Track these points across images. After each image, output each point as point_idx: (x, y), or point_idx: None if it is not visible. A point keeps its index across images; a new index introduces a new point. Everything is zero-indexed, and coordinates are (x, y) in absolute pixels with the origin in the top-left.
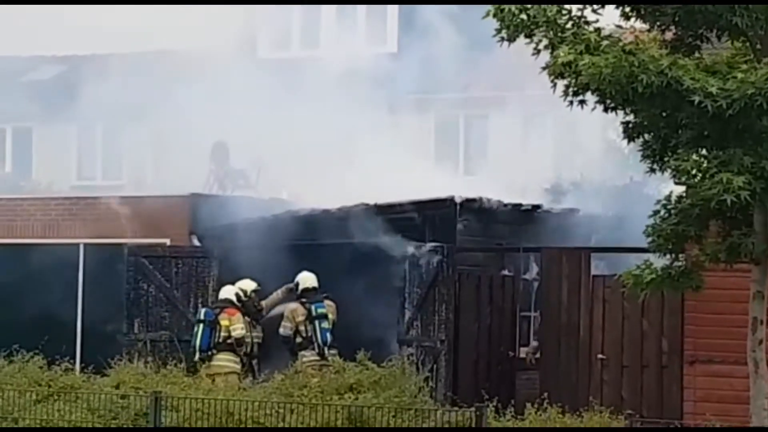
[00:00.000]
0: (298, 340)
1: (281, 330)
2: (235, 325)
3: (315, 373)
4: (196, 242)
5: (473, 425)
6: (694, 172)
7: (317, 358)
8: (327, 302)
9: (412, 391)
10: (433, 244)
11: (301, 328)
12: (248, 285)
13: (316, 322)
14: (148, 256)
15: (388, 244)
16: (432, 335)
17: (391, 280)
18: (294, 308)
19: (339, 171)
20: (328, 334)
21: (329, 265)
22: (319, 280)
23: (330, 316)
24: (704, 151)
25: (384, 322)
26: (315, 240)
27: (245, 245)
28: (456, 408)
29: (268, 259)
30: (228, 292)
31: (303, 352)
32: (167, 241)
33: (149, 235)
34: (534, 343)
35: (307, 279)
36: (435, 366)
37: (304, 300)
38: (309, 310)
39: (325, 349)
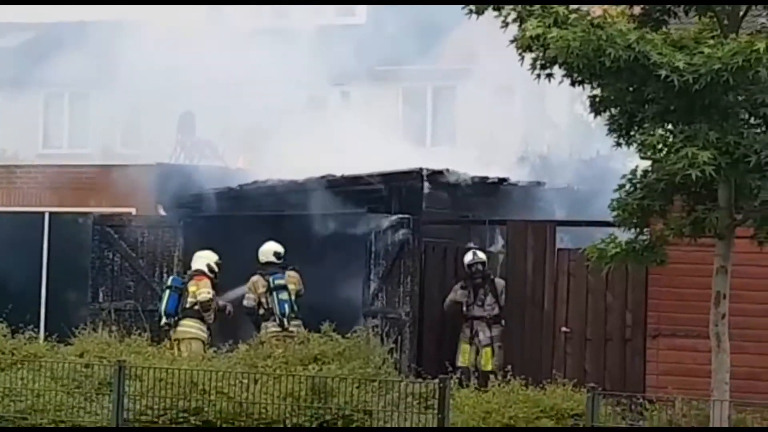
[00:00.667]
0: (261, 311)
1: (245, 302)
2: (201, 290)
3: (278, 343)
4: (162, 212)
5: (437, 396)
6: (659, 146)
7: (279, 329)
8: (291, 273)
9: (377, 363)
10: (399, 216)
11: (263, 299)
12: (211, 257)
13: (275, 294)
14: (113, 225)
15: (354, 216)
16: (397, 307)
17: (356, 251)
18: (255, 280)
19: (306, 142)
20: (287, 306)
21: (295, 237)
22: (286, 251)
23: (293, 287)
24: (670, 126)
25: (349, 293)
26: (281, 211)
27: (211, 215)
28: (420, 379)
29: (233, 229)
30: (200, 262)
31: (266, 323)
32: (133, 211)
33: (115, 204)
34: None
35: (267, 251)
36: (400, 337)
37: (264, 271)
38: (268, 282)
39: (284, 319)
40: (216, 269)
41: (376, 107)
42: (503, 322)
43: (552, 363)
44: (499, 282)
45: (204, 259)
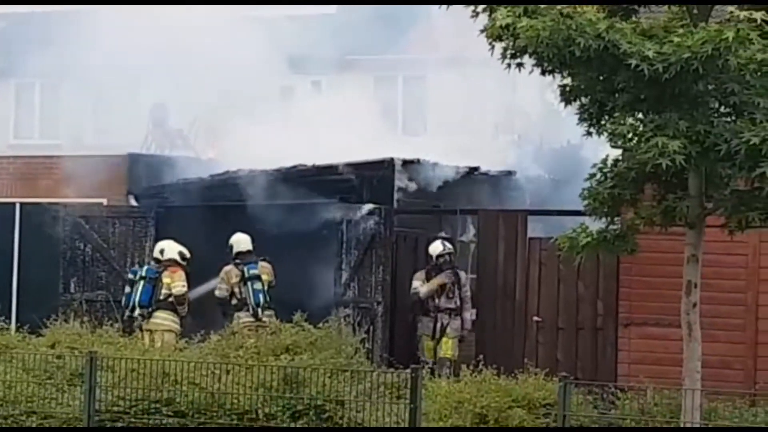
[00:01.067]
0: (234, 302)
1: (217, 292)
2: (176, 283)
3: (250, 334)
4: (134, 202)
5: (409, 386)
6: (630, 135)
7: (252, 319)
8: (263, 264)
9: (349, 353)
10: (371, 205)
11: (236, 290)
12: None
13: (249, 284)
14: (85, 216)
15: (325, 206)
16: (369, 296)
17: (328, 241)
18: (228, 270)
19: (277, 132)
20: (261, 296)
21: (266, 227)
22: (254, 242)
23: (265, 277)
24: (640, 115)
25: (321, 283)
26: (252, 201)
27: (183, 205)
28: (392, 369)
29: (205, 219)
30: (172, 251)
31: (239, 314)
32: (104, 201)
33: (86, 194)
34: None
35: (240, 241)
36: (372, 327)
37: (237, 262)
38: (242, 272)
39: (259, 310)
40: (187, 256)
41: (347, 96)
42: (473, 312)
43: (524, 352)
44: (462, 274)
45: (174, 247)
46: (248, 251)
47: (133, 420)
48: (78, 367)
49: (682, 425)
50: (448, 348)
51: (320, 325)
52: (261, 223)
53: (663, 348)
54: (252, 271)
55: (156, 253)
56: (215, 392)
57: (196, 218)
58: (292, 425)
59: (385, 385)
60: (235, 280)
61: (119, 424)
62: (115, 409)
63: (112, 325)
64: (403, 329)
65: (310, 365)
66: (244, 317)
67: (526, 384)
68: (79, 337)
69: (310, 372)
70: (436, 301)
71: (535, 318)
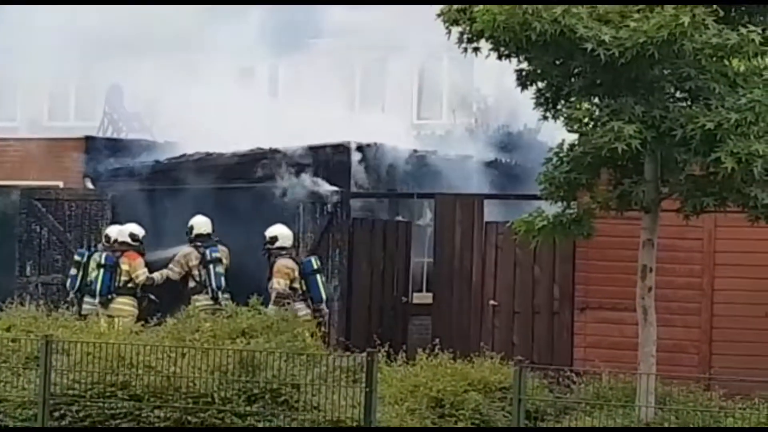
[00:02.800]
0: (192, 284)
1: (169, 274)
2: (138, 271)
3: (208, 317)
4: (90, 185)
5: (365, 370)
6: (585, 120)
7: (211, 302)
8: (220, 247)
9: (305, 336)
10: (328, 188)
11: (195, 272)
12: (138, 230)
13: (211, 267)
14: (41, 199)
15: (282, 189)
16: (325, 280)
17: (284, 225)
18: (187, 252)
19: (235, 114)
20: (223, 279)
21: (223, 210)
22: (213, 225)
23: (224, 261)
24: (596, 100)
25: None
26: (209, 184)
27: (139, 188)
28: (348, 353)
29: (161, 202)
30: (122, 234)
31: (196, 297)
32: (60, 184)
33: (42, 177)
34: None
35: (201, 224)
36: (328, 311)
37: (198, 244)
38: (203, 255)
39: (219, 293)
40: (140, 236)
41: (306, 79)
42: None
43: (480, 336)
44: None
45: (124, 230)
46: (207, 234)
47: (88, 403)
48: (33, 351)
49: (636, 409)
50: None
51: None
52: (217, 206)
53: (618, 332)
54: (214, 254)
55: (104, 240)
56: (171, 375)
57: (152, 201)
58: (248, 409)
59: (341, 369)
60: (194, 262)
61: (75, 408)
62: (71, 392)
63: (68, 308)
64: (360, 313)
65: (266, 349)
66: (202, 300)
67: (482, 368)
68: (34, 321)
69: (266, 355)
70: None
71: (492, 302)
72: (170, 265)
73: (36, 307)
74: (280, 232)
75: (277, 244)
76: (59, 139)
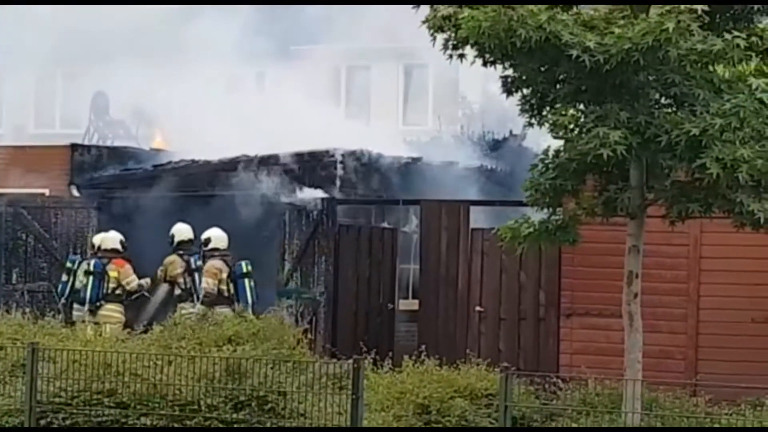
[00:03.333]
0: (177, 292)
1: (204, 285)
2: (129, 278)
3: (193, 325)
4: (76, 193)
5: (351, 377)
6: (571, 126)
7: (195, 310)
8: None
9: (291, 343)
10: (314, 195)
11: (180, 280)
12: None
13: (196, 275)
14: (26, 206)
15: (268, 196)
16: (311, 287)
17: (270, 231)
18: (172, 260)
19: (222, 122)
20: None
21: (208, 217)
22: (195, 232)
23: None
24: (582, 106)
25: (263, 273)
26: (195, 192)
27: (125, 196)
28: (334, 360)
29: (147, 210)
30: (113, 241)
31: (182, 304)
32: (46, 191)
33: (28, 185)
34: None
35: (182, 231)
36: (314, 318)
37: (181, 252)
38: (188, 262)
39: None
40: (125, 244)
41: (292, 87)
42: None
43: (466, 342)
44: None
45: (114, 237)
46: (189, 240)
47: (74, 411)
48: (20, 359)
49: (623, 415)
50: None
51: (262, 315)
52: (204, 214)
53: (605, 338)
54: (199, 263)
55: (92, 246)
56: (157, 383)
57: (138, 209)
58: (234, 416)
59: (327, 376)
60: (178, 270)
61: (61, 416)
62: (57, 400)
63: (54, 316)
64: (346, 320)
65: (252, 356)
66: (187, 308)
67: (469, 374)
68: (20, 328)
69: (253, 363)
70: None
71: (478, 308)
72: (206, 278)
73: (22, 315)
74: (214, 234)
75: (211, 245)
76: (45, 146)
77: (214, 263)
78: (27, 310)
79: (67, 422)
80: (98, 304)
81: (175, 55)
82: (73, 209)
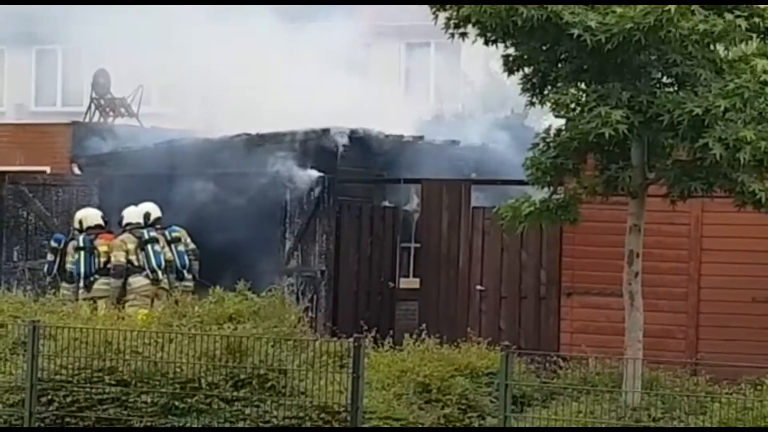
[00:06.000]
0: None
1: (113, 260)
2: (116, 252)
3: (145, 299)
4: (77, 171)
5: (352, 355)
6: (572, 105)
7: (147, 282)
8: (179, 229)
9: (292, 322)
10: (315, 173)
11: (132, 257)
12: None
13: (148, 247)
14: (28, 184)
15: (269, 174)
16: (312, 265)
17: (271, 210)
18: (124, 238)
19: (223, 99)
20: (162, 258)
21: (210, 195)
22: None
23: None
24: (583, 85)
25: (264, 252)
26: (195, 169)
27: (126, 174)
28: (335, 338)
29: (148, 188)
30: (96, 217)
31: (132, 278)
32: (47, 169)
33: (30, 162)
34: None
35: (131, 214)
36: (315, 296)
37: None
38: (140, 237)
39: (159, 272)
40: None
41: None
42: None
43: (467, 321)
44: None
45: (95, 214)
46: (138, 224)
47: (75, 389)
48: (21, 336)
49: (623, 394)
50: None
51: (263, 293)
52: (204, 191)
53: (605, 317)
54: (152, 234)
55: (76, 224)
56: (158, 361)
57: (139, 187)
58: (235, 394)
59: (328, 354)
60: (130, 246)
61: (62, 393)
62: (58, 377)
63: (54, 293)
64: (347, 298)
65: (253, 334)
66: (138, 280)
67: (469, 353)
68: (21, 306)
69: (253, 341)
70: None
71: (478, 287)
72: (114, 252)
73: (23, 293)
74: (127, 211)
75: (124, 221)
76: (46, 124)
77: (123, 237)
78: (28, 288)
79: (68, 399)
80: (92, 279)
81: (176, 26)
82: (74, 187)
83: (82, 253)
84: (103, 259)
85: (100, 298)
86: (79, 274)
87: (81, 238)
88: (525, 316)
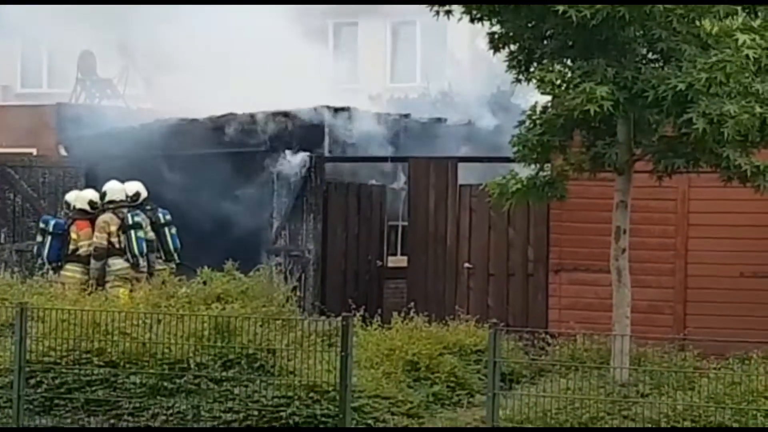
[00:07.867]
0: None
1: (95, 240)
2: (82, 242)
3: (123, 283)
4: (63, 152)
5: (340, 334)
6: (558, 82)
7: (127, 265)
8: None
9: (280, 301)
10: (302, 153)
11: (113, 239)
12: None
13: (131, 232)
14: (14, 166)
15: (256, 154)
16: (300, 245)
17: (259, 189)
18: (107, 219)
19: (211, 80)
20: (144, 244)
21: (197, 175)
22: (185, 190)
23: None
24: (569, 62)
25: (251, 231)
26: (183, 150)
27: (113, 155)
28: (323, 317)
29: (135, 169)
30: (82, 201)
31: (112, 260)
32: (34, 151)
33: (15, 144)
34: None
35: (114, 191)
36: (303, 275)
37: (112, 208)
38: (123, 220)
39: (140, 258)
40: (97, 204)
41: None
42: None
43: (455, 299)
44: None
45: (84, 197)
46: (120, 201)
47: (64, 370)
48: (9, 318)
49: (611, 370)
50: None
51: (251, 273)
52: (192, 172)
53: (593, 293)
54: (136, 219)
55: (65, 206)
56: (146, 342)
57: (126, 168)
58: (224, 374)
59: (316, 334)
60: (113, 228)
61: (50, 375)
62: (46, 359)
63: (42, 275)
64: (335, 277)
65: (241, 314)
66: (118, 264)
67: (457, 330)
68: (9, 288)
69: (242, 321)
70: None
71: (466, 264)
72: (95, 233)
73: (11, 275)
74: (110, 187)
75: (107, 198)
76: (32, 106)
77: (104, 217)
78: (15, 269)
79: (57, 381)
80: (59, 264)
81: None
82: (60, 168)
83: (50, 237)
84: (72, 247)
85: (67, 283)
86: (43, 257)
87: (52, 222)
88: (513, 293)
